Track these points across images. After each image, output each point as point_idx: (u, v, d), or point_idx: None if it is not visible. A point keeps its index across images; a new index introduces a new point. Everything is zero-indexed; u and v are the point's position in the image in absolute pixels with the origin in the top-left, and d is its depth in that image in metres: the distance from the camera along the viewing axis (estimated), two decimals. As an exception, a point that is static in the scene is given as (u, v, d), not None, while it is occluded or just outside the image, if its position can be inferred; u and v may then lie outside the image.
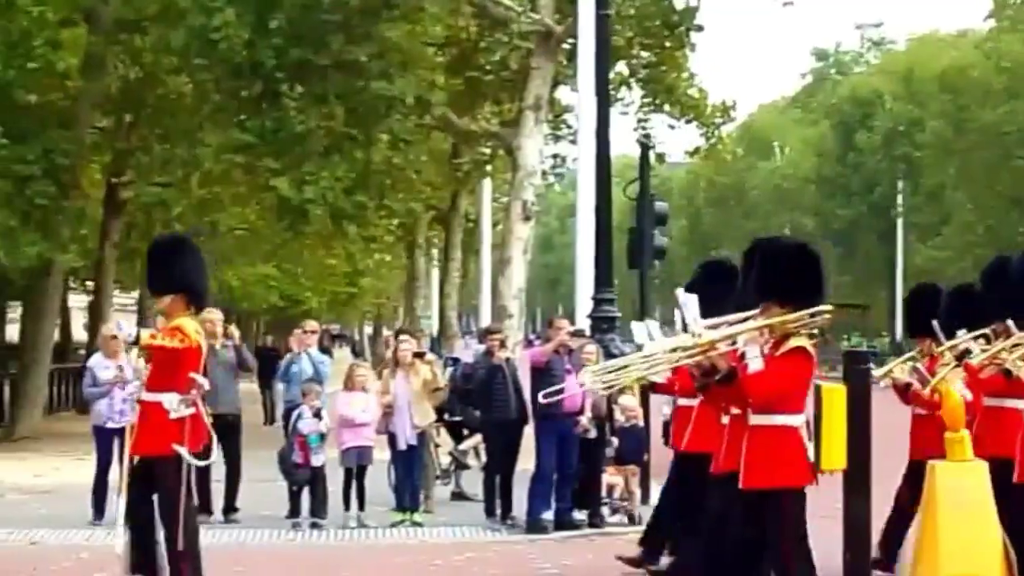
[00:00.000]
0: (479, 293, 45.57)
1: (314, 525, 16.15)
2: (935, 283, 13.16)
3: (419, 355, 16.94)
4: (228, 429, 16.56)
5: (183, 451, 10.54)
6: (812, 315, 8.99)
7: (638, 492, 16.62)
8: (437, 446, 18.38)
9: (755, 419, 8.90)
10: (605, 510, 16.28)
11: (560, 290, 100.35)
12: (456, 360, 22.00)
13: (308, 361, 17.82)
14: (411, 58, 27.58)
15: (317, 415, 16.35)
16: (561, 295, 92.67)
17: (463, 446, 19.19)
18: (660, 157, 34.14)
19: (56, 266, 30.95)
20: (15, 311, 39.08)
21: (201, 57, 27.11)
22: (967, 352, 11.18)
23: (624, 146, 69.46)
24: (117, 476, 16.40)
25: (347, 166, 27.71)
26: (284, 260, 47.37)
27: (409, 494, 16.51)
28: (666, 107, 34.25)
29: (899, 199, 70.45)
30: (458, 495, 18.77)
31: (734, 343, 9.03)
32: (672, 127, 34.44)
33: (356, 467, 16.42)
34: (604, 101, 20.37)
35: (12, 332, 41.79)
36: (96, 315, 35.69)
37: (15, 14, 27.55)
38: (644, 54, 33.58)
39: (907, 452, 12.03)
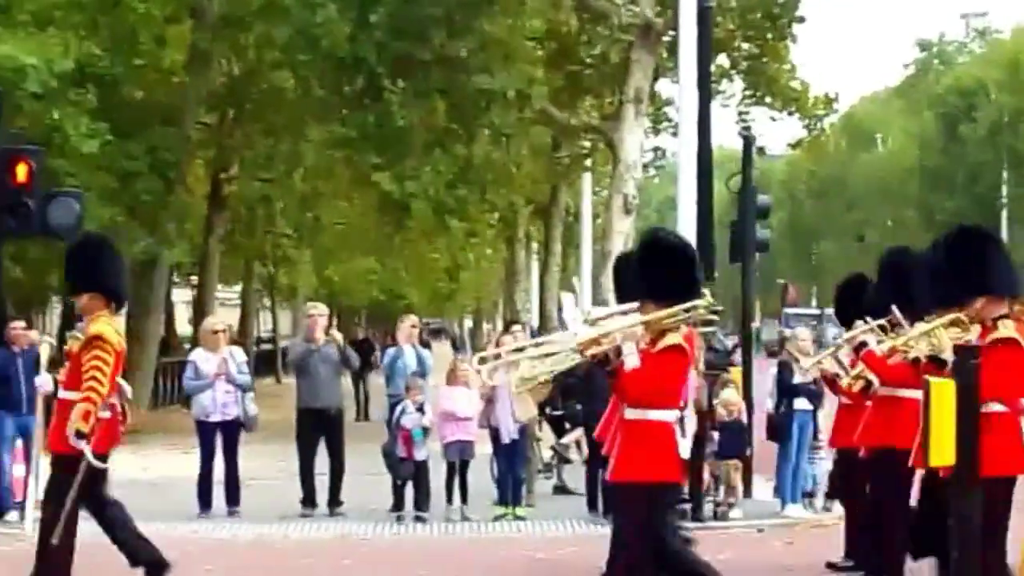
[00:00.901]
0: (580, 287, 45.56)
1: (418, 519, 16.22)
2: (862, 273, 13.13)
3: (519, 349, 16.93)
4: (331, 424, 16.70)
5: (87, 450, 10.57)
6: (686, 311, 9.10)
7: (740, 487, 16.55)
8: (539, 440, 18.39)
9: (629, 413, 9.02)
10: (707, 504, 16.22)
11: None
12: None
13: (412, 355, 17.89)
14: (512, 52, 27.62)
15: (420, 409, 16.42)
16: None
17: (565, 440, 19.19)
18: (761, 150, 33.98)
19: (161, 261, 31.31)
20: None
21: (304, 53, 27.32)
22: (864, 344, 11.23)
23: (724, 138, 69.26)
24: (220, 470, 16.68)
25: (448, 161, 27.82)
26: (385, 254, 47.62)
27: (511, 488, 16.53)
28: (768, 99, 34.10)
29: (1003, 190, 69.57)
30: (560, 489, 18.77)
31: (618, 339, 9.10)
32: (774, 119, 34.30)
33: (459, 461, 16.47)
34: (705, 94, 20.28)
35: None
36: (200, 309, 36.05)
37: (122, 11, 27.87)
38: (746, 46, 33.46)
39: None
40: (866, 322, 11.36)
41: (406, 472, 16.42)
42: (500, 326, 54.78)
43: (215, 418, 16.55)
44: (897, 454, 9.85)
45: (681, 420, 9.13)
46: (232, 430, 16.69)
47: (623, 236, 28.36)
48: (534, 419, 17.34)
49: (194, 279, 41.90)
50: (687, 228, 22.40)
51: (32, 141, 21.53)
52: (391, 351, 18.75)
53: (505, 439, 16.47)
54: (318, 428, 16.64)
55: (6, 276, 19.14)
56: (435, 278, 56.84)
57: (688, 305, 9.08)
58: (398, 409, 16.68)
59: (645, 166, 37.10)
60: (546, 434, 19.27)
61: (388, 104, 26.74)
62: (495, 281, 67.33)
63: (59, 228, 17.57)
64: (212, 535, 15.32)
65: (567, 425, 19.16)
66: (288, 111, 30.84)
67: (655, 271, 9.17)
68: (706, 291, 9.46)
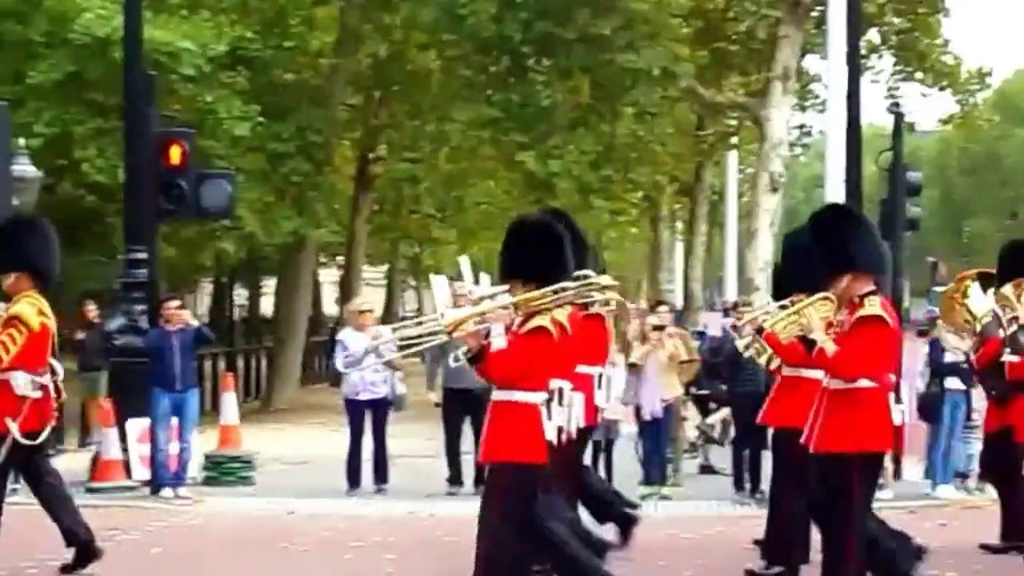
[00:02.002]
0: (724, 266, 45.32)
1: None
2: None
3: (659, 328, 16.95)
4: (474, 403, 16.77)
5: (13, 428, 10.71)
6: (555, 292, 9.02)
7: (890, 467, 16.36)
8: (684, 420, 18.36)
9: (497, 395, 8.98)
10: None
11: (805, 262, 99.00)
12: (702, 334, 21.93)
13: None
14: (657, 30, 27.52)
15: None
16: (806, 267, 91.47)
17: (710, 420, 19.13)
18: (911, 126, 33.51)
19: (309, 241, 31.68)
20: (269, 286, 40.09)
21: (449, 33, 27.48)
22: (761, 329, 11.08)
23: (874, 115, 68.31)
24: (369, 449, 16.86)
25: (593, 139, 27.81)
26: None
27: (657, 467, 16.51)
28: (918, 75, 33.59)
29: None
30: (706, 469, 18.72)
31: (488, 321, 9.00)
32: (924, 95, 33.77)
33: (604, 440, 16.48)
34: (854, 69, 20.03)
35: (267, 306, 42.89)
36: (347, 289, 36.43)
37: (272, -6, 28.32)
38: (896, 20, 32.98)
39: None
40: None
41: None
42: (644, 306, 54.69)
43: (364, 397, 16.73)
44: (798, 435, 9.68)
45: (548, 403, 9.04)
46: (381, 409, 16.85)
47: (769, 214, 28.15)
48: (679, 399, 17.30)
49: (341, 259, 42.30)
50: (835, 206, 22.22)
51: (185, 124, 21.94)
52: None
53: (647, 416, 16.45)
54: (463, 408, 16.73)
55: (159, 256, 19.48)
56: (579, 257, 56.76)
57: (558, 287, 9.01)
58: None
59: (791, 144, 36.75)
60: (692, 414, 19.22)
61: (532, 83, 26.79)
62: (639, 260, 67.16)
63: (212, 209, 17.88)
64: (360, 512, 15.49)
65: (713, 405, 19.10)
66: (433, 92, 31.02)
67: (522, 252, 9.13)
68: (591, 272, 9.55)
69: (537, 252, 9.11)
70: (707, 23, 31.76)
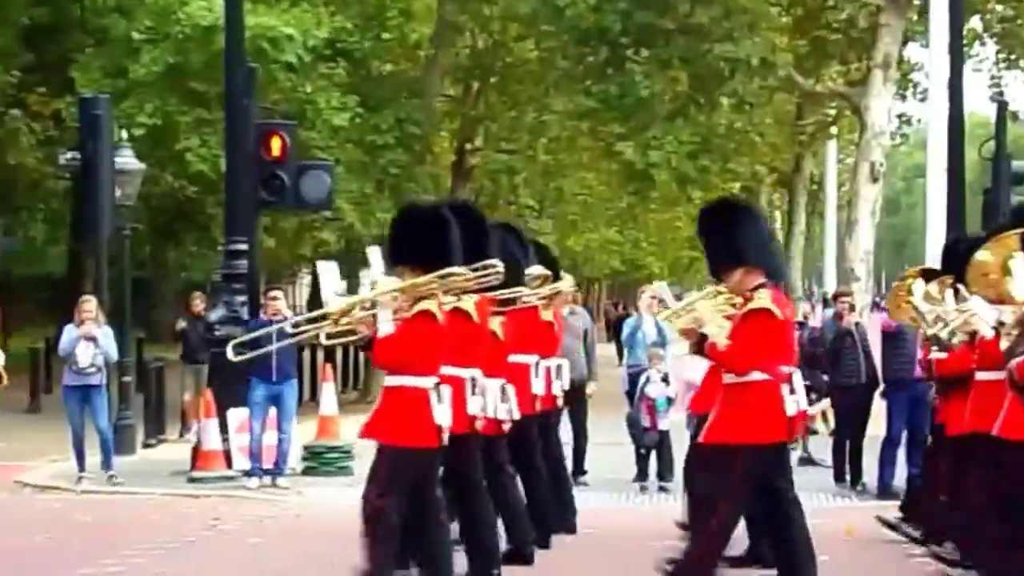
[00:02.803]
0: (824, 256, 45.02)
1: (661, 489, 16.23)
2: None
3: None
4: (575, 394, 16.74)
5: None
6: (442, 278, 9.04)
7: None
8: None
9: (388, 380, 9.07)
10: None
11: (906, 252, 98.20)
12: (802, 324, 21.79)
13: (652, 325, 17.88)
14: (756, 19, 27.38)
15: (664, 379, 16.41)
16: (907, 257, 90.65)
17: (811, 411, 18.99)
18: (1015, 115, 33.10)
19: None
20: (367, 277, 40.30)
21: (548, 23, 27.47)
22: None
23: (976, 104, 67.50)
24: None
25: (691, 130, 27.71)
26: (626, 225, 47.62)
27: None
28: (1022, 63, 33.18)
29: None
30: (806, 460, 18.58)
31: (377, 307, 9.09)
32: (1028, 83, 33.37)
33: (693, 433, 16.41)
34: (957, 58, 19.83)
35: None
36: (444, 280, 36.54)
37: (371, -15, 28.49)
38: (999, 8, 32.58)
39: None
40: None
41: (650, 442, 16.45)
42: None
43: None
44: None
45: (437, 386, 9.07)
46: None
47: (869, 204, 27.92)
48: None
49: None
50: (937, 195, 22.01)
51: (285, 115, 22.10)
52: (630, 321, 18.75)
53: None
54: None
55: (259, 247, 19.64)
56: (676, 247, 56.64)
57: (443, 272, 9.04)
58: (642, 379, 16.69)
59: (892, 133, 36.44)
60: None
61: (631, 74, 26.73)
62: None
63: (311, 200, 17.99)
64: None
65: (813, 396, 18.97)
66: (531, 82, 31.03)
67: (407, 238, 9.19)
68: (495, 262, 9.56)
69: (422, 238, 9.19)
70: (807, 12, 31.55)
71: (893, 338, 15.42)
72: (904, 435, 15.69)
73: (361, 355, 34.93)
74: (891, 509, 14.78)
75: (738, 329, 9.04)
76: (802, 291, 45.64)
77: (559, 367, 12.72)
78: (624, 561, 11.39)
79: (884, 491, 15.61)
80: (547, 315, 12.44)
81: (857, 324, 16.71)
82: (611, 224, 47.91)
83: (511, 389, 10.81)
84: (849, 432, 16.58)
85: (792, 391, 9.12)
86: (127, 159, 20.36)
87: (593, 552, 12.16)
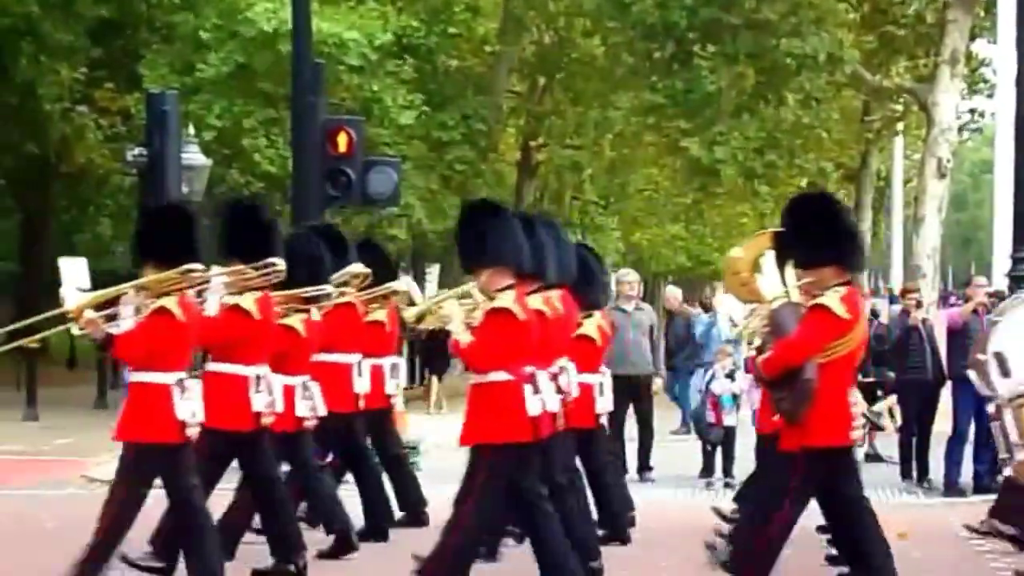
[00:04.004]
0: (890, 252, 44.76)
1: (727, 484, 16.23)
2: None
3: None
4: (641, 389, 16.75)
5: None
6: (182, 274, 9.13)
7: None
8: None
9: (131, 376, 9.24)
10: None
11: (973, 249, 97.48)
12: (869, 320, 21.70)
13: (727, 322, 17.84)
14: (823, 15, 27.27)
15: (730, 376, 16.40)
16: (974, 254, 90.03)
17: (877, 407, 18.89)
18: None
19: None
20: (432, 273, 40.45)
21: (613, 19, 27.47)
22: None
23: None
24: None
25: (757, 126, 27.64)
26: (692, 220, 47.54)
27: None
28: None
29: None
30: (872, 457, 18.52)
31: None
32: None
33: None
34: (1025, 54, 19.69)
35: (430, 293, 43.22)
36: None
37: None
38: (1068, 3, 32.26)
39: None
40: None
41: (715, 438, 16.44)
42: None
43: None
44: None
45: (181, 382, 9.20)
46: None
47: (936, 200, 27.76)
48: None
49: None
50: (1005, 191, 21.88)
51: (351, 112, 22.19)
52: (704, 318, 18.74)
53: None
54: (628, 393, 16.73)
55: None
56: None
57: (183, 269, 9.14)
58: (707, 375, 16.69)
59: (960, 128, 36.17)
60: (857, 401, 19.01)
61: (697, 70, 26.69)
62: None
63: (378, 196, 18.06)
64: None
65: (879, 392, 18.90)
66: (597, 78, 31.04)
67: (153, 235, 9.31)
68: (277, 260, 9.73)
69: (166, 234, 9.29)
70: (874, 7, 31.38)
71: (959, 334, 15.37)
72: (972, 432, 15.62)
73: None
74: (960, 507, 14.75)
75: (479, 328, 9.11)
76: (868, 287, 45.41)
77: (393, 366, 12.67)
78: (687, 556, 11.39)
79: (950, 488, 15.55)
80: (379, 315, 12.43)
81: (924, 320, 16.66)
82: (676, 220, 47.84)
83: (315, 386, 10.87)
84: (915, 429, 16.53)
85: (536, 391, 9.18)
86: (193, 155, 20.50)
87: (658, 548, 12.16)
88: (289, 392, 10.59)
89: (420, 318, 10.36)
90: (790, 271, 8.98)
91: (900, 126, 40.22)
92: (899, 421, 17.56)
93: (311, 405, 10.82)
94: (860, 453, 18.28)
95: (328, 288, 11.20)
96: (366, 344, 12.16)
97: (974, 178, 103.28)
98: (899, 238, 42.45)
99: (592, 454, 11.80)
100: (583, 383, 11.29)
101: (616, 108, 30.59)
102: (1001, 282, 19.90)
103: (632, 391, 16.61)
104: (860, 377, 18.62)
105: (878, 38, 31.32)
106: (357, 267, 11.98)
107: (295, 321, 10.77)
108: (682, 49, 27.04)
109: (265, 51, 24.85)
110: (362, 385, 12.02)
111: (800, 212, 9.05)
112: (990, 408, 11.35)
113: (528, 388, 9.13)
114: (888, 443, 17.94)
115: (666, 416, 17.36)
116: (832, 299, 8.70)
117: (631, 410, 16.69)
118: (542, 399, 9.24)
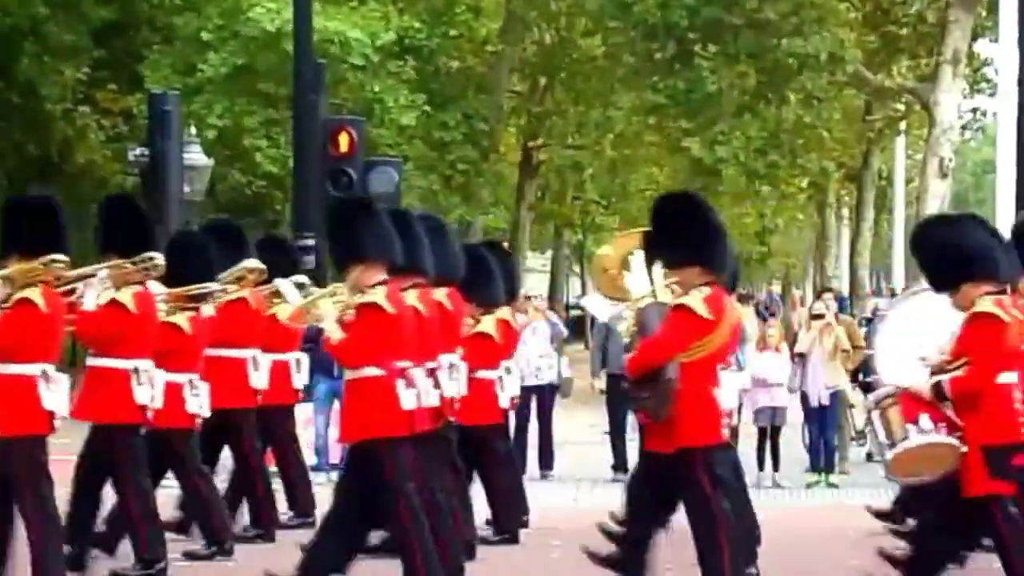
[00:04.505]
0: (892, 252, 44.74)
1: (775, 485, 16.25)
2: None
3: (816, 317, 16.90)
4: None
5: None
6: (45, 265, 9.17)
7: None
8: (852, 407, 18.19)
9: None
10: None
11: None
12: (870, 320, 21.70)
13: (751, 324, 17.89)
14: (825, 15, 27.26)
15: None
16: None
17: (879, 407, 18.90)
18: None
19: (474, 228, 31.91)
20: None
21: (615, 19, 27.46)
22: None
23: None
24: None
25: (759, 126, 27.62)
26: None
27: (824, 455, 16.40)
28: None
29: None
30: (873, 456, 18.53)
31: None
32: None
33: (770, 427, 16.41)
34: (1027, 53, 19.70)
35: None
36: (512, 275, 36.58)
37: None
38: (1070, 2, 32.26)
39: None
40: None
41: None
42: (809, 292, 54.13)
43: (530, 382, 16.79)
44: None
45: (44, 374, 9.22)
46: (547, 394, 16.92)
47: (938, 200, 27.74)
48: (847, 386, 17.16)
49: (505, 246, 42.53)
50: (1006, 191, 21.88)
51: (353, 112, 22.21)
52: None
53: (814, 403, 16.36)
54: (627, 393, 16.72)
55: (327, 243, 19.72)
56: (744, 243, 56.42)
57: (47, 259, 9.19)
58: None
59: (962, 128, 36.15)
60: (858, 401, 19.04)
61: (698, 69, 26.67)
62: (804, 247, 66.55)
63: (379, 196, 18.03)
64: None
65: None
66: (598, 78, 31.03)
67: (13, 228, 9.35)
68: (154, 255, 9.81)
69: (30, 226, 9.32)
70: (876, 7, 31.35)
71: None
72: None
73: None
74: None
75: (350, 324, 9.13)
76: (870, 287, 45.38)
77: (298, 361, 12.64)
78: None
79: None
80: (279, 311, 12.05)
81: (926, 320, 16.64)
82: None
83: (203, 384, 10.88)
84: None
85: (409, 385, 9.22)
86: (195, 155, 20.51)
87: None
88: (174, 389, 10.58)
89: (297, 317, 10.30)
90: (658, 270, 8.97)
91: (902, 126, 40.17)
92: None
93: (199, 403, 10.80)
94: (862, 453, 18.40)
95: (213, 286, 11.20)
96: (266, 339, 12.15)
97: (976, 178, 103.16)
98: (901, 238, 42.40)
99: (488, 452, 11.82)
100: (481, 379, 11.35)
101: (617, 108, 30.57)
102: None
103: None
104: (861, 377, 18.73)
105: (880, 38, 31.29)
106: (251, 263, 12.00)
107: (180, 319, 10.80)
108: (683, 49, 27.01)
109: (267, 51, 24.85)
110: (258, 380, 12.00)
111: (666, 212, 9.05)
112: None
113: (400, 383, 9.15)
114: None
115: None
116: (694, 299, 8.70)
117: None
118: (417, 393, 9.25)
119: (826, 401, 16.45)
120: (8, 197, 10.12)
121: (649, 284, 8.96)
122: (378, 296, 9.12)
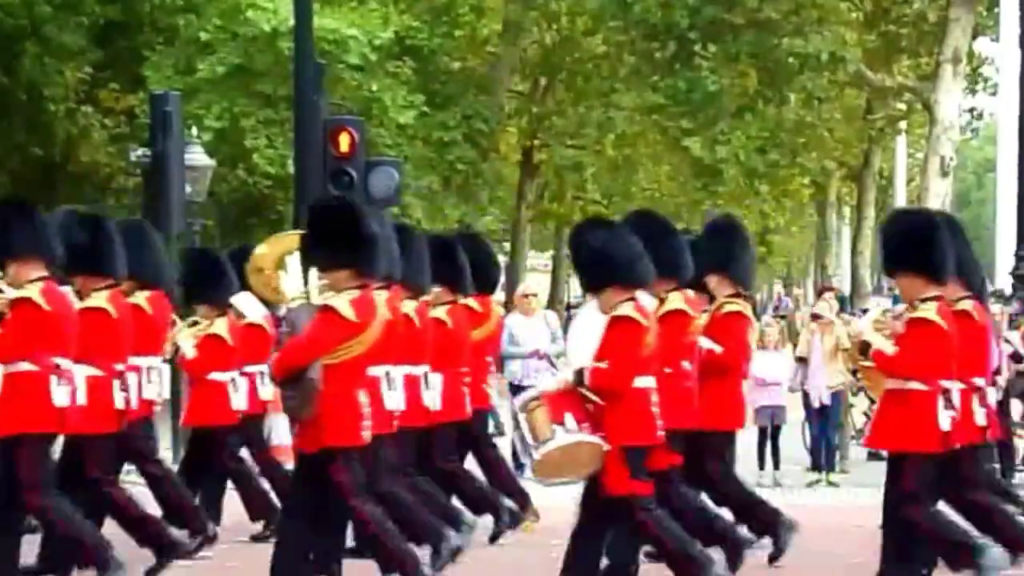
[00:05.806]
0: (893, 251, 44.67)
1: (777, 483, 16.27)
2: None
3: (816, 317, 16.93)
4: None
5: None
6: None
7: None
8: (851, 406, 18.22)
9: None
10: (1020, 475, 15.85)
11: (976, 247, 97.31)
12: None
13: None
14: (825, 14, 27.28)
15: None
16: (977, 252, 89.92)
17: (877, 406, 18.91)
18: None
19: (475, 228, 31.92)
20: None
21: (616, 19, 27.48)
22: None
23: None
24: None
25: (760, 125, 27.66)
26: (694, 220, 47.52)
27: (824, 454, 16.41)
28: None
29: None
30: (874, 455, 18.50)
31: None
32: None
33: (770, 426, 16.42)
34: (1027, 52, 19.75)
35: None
36: (511, 275, 36.60)
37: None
38: (1070, 1, 32.28)
39: None
40: None
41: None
42: (810, 291, 54.13)
43: (528, 383, 16.81)
44: None
45: None
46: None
47: (939, 199, 27.74)
48: (848, 384, 17.17)
49: (506, 245, 42.54)
50: (1007, 190, 21.93)
51: (351, 112, 22.22)
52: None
53: (815, 403, 16.38)
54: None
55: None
56: (745, 243, 56.39)
57: None
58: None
59: (962, 127, 36.16)
60: (859, 400, 19.06)
61: (699, 69, 26.71)
62: (805, 246, 66.56)
63: (380, 196, 18.08)
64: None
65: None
66: (599, 78, 31.05)
67: None
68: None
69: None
70: (876, 6, 31.37)
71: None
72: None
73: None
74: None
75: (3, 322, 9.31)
76: (871, 286, 45.37)
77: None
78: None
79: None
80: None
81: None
82: (678, 219, 47.83)
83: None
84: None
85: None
86: (197, 155, 20.53)
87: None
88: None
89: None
90: (314, 272, 9.04)
91: (903, 125, 40.16)
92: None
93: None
94: (862, 452, 18.39)
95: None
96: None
97: (977, 176, 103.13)
98: (902, 237, 42.38)
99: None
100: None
101: (618, 108, 30.61)
102: (1005, 280, 19.95)
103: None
104: (859, 376, 18.74)
105: (880, 37, 31.30)
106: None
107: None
108: (684, 48, 27.05)
109: (265, 51, 24.87)
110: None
111: (319, 216, 9.20)
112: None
113: (54, 379, 9.29)
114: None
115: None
116: (341, 301, 8.80)
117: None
118: (70, 391, 9.38)
119: (827, 401, 16.45)
120: None
121: (304, 286, 9.03)
122: (33, 292, 9.27)
